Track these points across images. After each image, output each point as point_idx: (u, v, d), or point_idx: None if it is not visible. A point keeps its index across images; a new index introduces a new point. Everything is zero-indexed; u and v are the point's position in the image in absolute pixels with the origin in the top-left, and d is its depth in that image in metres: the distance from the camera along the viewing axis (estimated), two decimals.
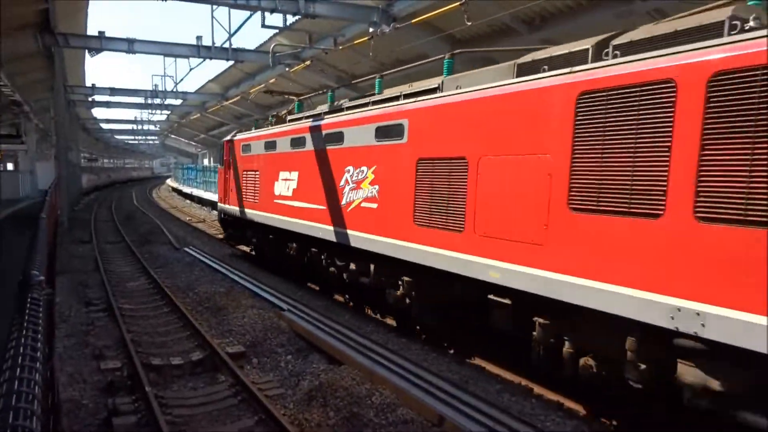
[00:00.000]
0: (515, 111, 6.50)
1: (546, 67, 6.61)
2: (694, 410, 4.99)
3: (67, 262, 15.52)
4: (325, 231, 10.78)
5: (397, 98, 9.22)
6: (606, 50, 6.01)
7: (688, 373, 4.92)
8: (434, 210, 7.78)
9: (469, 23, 10.92)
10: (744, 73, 4.42)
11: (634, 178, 5.19)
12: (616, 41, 5.96)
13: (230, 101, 30.04)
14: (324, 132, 10.97)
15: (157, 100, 31.82)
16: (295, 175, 12.34)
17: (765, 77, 4.28)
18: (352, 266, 10.26)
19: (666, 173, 4.93)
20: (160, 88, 30.86)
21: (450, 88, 8.07)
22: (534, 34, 13.56)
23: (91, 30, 30.17)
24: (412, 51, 16.38)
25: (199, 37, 19.68)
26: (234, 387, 7.20)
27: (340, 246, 10.32)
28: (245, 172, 15.67)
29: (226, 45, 19.75)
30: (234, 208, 16.68)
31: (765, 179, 4.28)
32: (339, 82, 21.70)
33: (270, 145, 13.79)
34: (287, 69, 19.97)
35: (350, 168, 9.97)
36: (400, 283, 8.94)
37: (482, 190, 6.90)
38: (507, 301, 6.75)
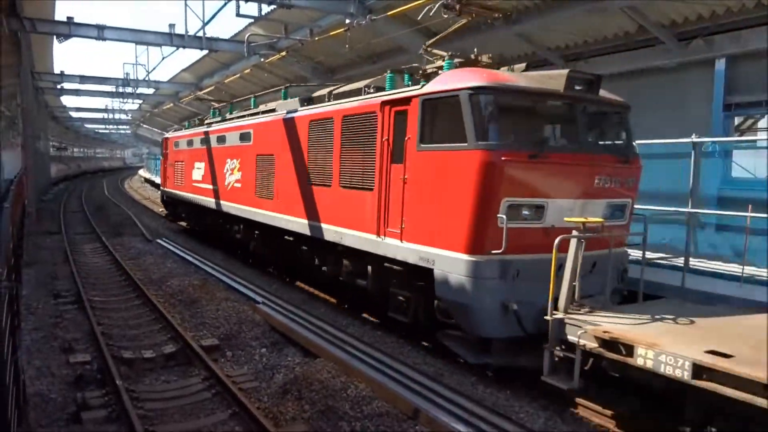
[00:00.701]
0: (291, 128, 11.21)
1: (306, 103, 11.28)
2: (345, 283, 9.80)
3: (35, 254, 15.16)
4: (220, 204, 15.57)
5: (256, 114, 13.79)
6: (332, 96, 10.40)
7: (345, 264, 9.60)
8: (263, 186, 12.61)
9: (446, 16, 10.90)
10: (351, 116, 9.17)
11: (325, 166, 9.92)
12: (335, 92, 10.41)
13: (204, 91, 29.53)
14: (216, 135, 16.08)
15: (129, 89, 31.06)
16: (203, 165, 17.31)
17: (354, 120, 9.06)
18: (234, 227, 15.06)
19: (332, 163, 9.67)
20: (131, 77, 30.11)
21: (280, 110, 12.18)
22: (510, 27, 13.59)
23: (60, 15, 29.28)
24: (388, 43, 16.31)
25: (172, 25, 19.22)
26: (208, 380, 7.11)
27: (227, 214, 15.06)
28: (176, 162, 20.94)
29: (200, 34, 19.36)
30: (171, 191, 21.88)
31: (359, 167, 8.96)
32: (315, 72, 21.50)
33: (190, 143, 19.06)
34: (262, 59, 19.71)
35: (229, 160, 14.89)
36: (254, 235, 13.66)
37: (279, 173, 11.84)
38: (291, 238, 11.53)
